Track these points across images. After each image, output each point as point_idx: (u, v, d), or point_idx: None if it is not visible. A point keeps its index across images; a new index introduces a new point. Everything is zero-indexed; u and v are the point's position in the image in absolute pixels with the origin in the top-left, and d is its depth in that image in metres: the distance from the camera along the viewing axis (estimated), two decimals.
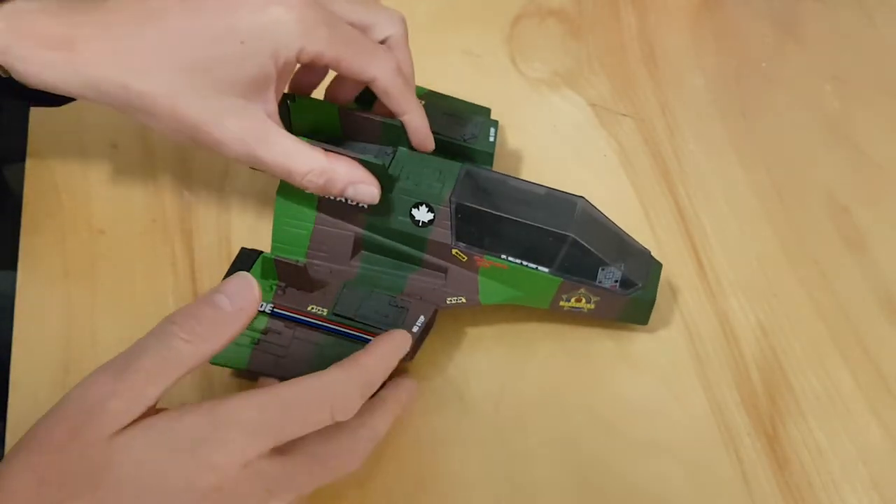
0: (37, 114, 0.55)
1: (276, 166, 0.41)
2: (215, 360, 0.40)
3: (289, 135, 0.42)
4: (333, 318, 0.43)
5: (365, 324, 0.43)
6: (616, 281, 0.44)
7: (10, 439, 0.42)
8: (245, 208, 0.51)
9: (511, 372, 0.46)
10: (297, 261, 0.43)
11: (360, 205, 0.44)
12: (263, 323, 0.43)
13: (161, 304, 0.48)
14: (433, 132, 0.45)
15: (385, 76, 0.43)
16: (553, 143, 0.55)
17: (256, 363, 0.42)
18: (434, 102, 0.49)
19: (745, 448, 0.44)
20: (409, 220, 0.44)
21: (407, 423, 0.44)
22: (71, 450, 0.32)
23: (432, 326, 0.44)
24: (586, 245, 0.43)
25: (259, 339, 0.42)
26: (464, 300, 0.45)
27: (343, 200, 0.43)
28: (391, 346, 0.40)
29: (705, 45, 0.61)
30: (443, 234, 0.44)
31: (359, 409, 0.37)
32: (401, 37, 0.46)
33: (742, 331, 0.48)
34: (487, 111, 0.51)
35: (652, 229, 0.51)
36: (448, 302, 0.44)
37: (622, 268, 0.44)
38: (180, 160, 0.53)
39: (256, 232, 0.50)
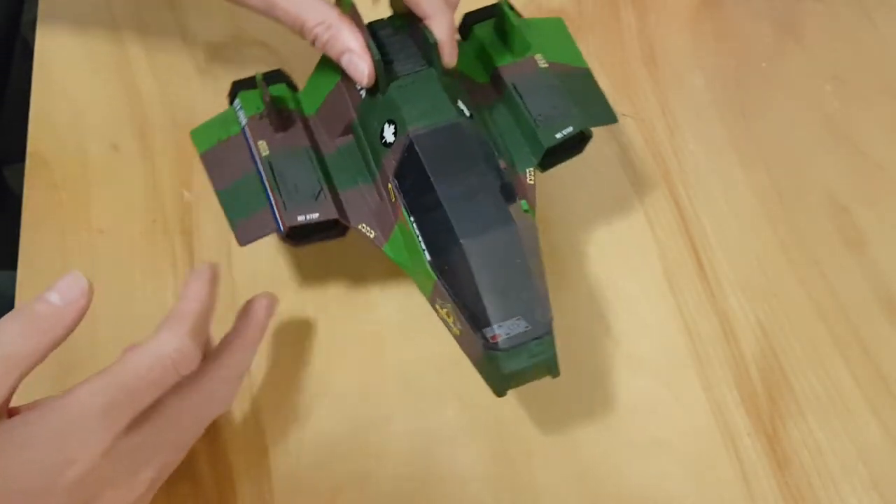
0: (37, 114, 0.55)
1: (290, 15, 0.42)
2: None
3: None
4: (267, 163, 0.44)
5: (276, 182, 0.43)
6: (480, 326, 0.38)
7: None
8: None
9: None
10: (292, 108, 0.45)
11: (360, 88, 0.44)
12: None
13: (161, 304, 0.48)
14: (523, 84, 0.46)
15: None
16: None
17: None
18: (565, 71, 0.47)
19: (745, 448, 0.44)
20: (379, 131, 0.43)
21: (407, 423, 0.44)
22: None
23: (336, 236, 0.44)
24: (471, 266, 0.38)
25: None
26: (372, 235, 0.43)
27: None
28: (201, 282, 0.39)
29: (705, 45, 0.61)
30: (390, 163, 0.42)
31: (217, 349, 0.38)
32: None
33: (742, 331, 0.48)
34: (605, 111, 0.47)
35: (652, 229, 0.51)
36: (360, 227, 0.43)
37: (496, 316, 0.38)
38: (180, 160, 0.53)
39: None
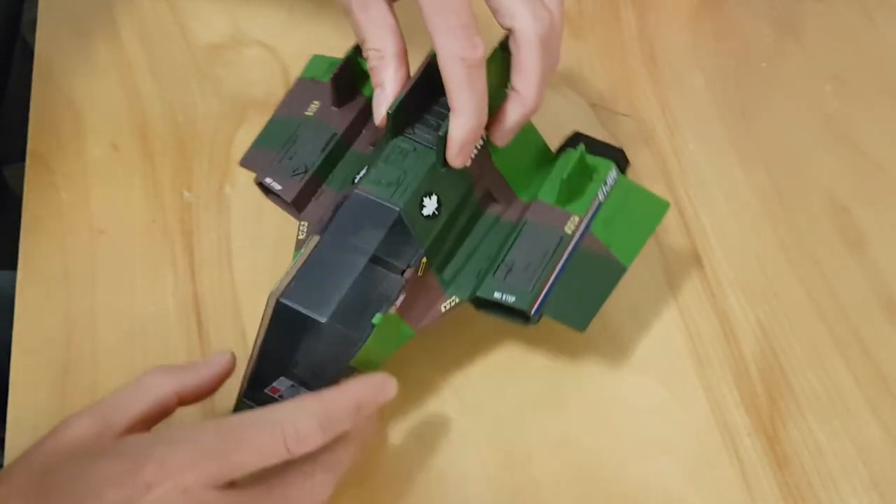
0: (37, 114, 0.55)
1: (358, 28, 0.42)
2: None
3: (387, 8, 0.42)
4: (299, 121, 0.47)
5: (289, 141, 0.47)
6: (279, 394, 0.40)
7: (10, 439, 0.43)
8: (245, 208, 0.51)
9: (511, 372, 0.46)
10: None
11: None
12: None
13: (161, 304, 0.48)
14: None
15: (444, 47, 0.39)
16: (553, 143, 0.55)
17: None
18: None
19: (745, 448, 0.44)
20: (359, 169, 0.44)
21: (407, 423, 0.44)
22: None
23: (293, 214, 0.46)
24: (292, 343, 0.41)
25: None
26: (301, 237, 0.45)
27: None
28: (364, 385, 0.38)
29: (705, 45, 0.61)
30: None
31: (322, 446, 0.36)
32: (530, 35, 0.40)
33: (742, 331, 0.48)
34: (581, 315, 0.43)
35: None
36: (300, 224, 0.45)
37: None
38: (180, 160, 0.53)
39: (256, 232, 0.50)
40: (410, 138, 0.43)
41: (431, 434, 0.44)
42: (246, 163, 0.48)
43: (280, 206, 0.46)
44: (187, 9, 0.60)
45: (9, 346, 0.46)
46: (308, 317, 0.39)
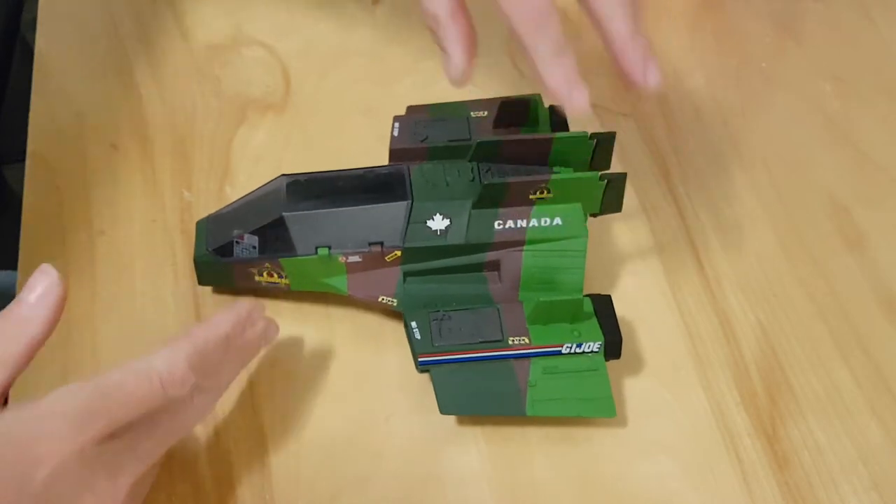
0: (37, 114, 0.55)
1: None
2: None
3: None
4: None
5: None
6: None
7: None
8: None
9: None
10: None
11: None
12: None
13: (161, 305, 0.48)
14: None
15: None
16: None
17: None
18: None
19: (745, 448, 0.44)
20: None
21: (407, 423, 0.44)
22: None
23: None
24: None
25: None
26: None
27: None
28: (231, 315, 0.40)
29: (705, 45, 0.61)
30: None
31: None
32: None
33: (742, 331, 0.48)
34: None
35: (652, 229, 0.51)
36: None
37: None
38: (180, 160, 0.53)
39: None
40: (478, 170, 0.46)
41: (431, 434, 0.44)
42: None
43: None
44: (187, 9, 0.60)
45: None
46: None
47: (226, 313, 0.40)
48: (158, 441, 0.37)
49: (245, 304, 0.41)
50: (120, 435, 0.35)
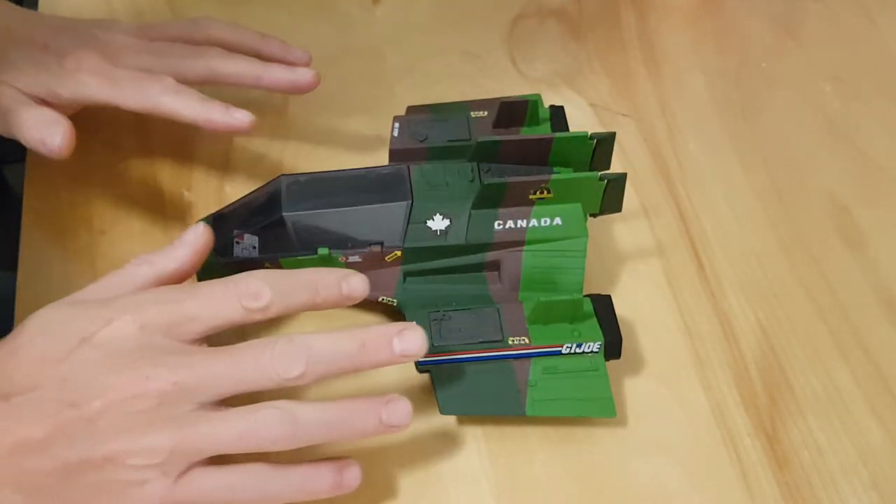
0: None
1: None
2: None
3: None
4: None
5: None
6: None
7: None
8: None
9: None
10: None
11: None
12: None
13: None
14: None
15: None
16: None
17: None
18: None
19: (745, 448, 0.44)
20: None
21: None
22: None
23: None
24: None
25: None
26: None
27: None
28: (326, 272, 0.40)
29: (705, 45, 0.61)
30: None
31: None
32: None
33: (742, 331, 0.48)
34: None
35: (652, 229, 0.51)
36: None
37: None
38: (180, 160, 0.53)
39: None
40: (478, 170, 0.46)
41: (431, 434, 0.44)
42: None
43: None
44: (188, 8, 0.60)
45: None
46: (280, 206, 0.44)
47: (321, 269, 0.40)
48: (230, 373, 0.37)
49: (347, 270, 0.40)
50: (189, 345, 0.37)
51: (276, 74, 0.50)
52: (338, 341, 0.37)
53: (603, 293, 0.45)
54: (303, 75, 0.50)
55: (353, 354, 0.37)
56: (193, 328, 0.37)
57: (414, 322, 0.39)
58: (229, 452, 0.36)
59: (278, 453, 0.37)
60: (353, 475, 0.39)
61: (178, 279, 0.41)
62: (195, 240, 0.41)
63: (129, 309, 0.37)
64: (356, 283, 0.40)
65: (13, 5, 0.50)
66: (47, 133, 0.45)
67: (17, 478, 0.35)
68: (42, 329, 0.37)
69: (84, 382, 0.35)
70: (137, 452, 0.35)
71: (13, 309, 0.47)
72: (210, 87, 0.49)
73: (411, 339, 0.38)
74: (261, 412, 0.36)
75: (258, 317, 0.38)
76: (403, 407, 0.38)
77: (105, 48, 0.49)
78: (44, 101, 0.47)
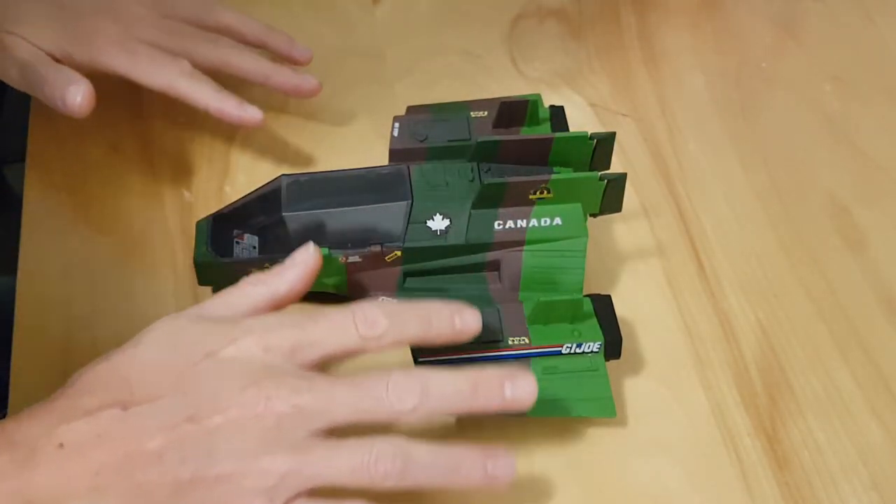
0: (37, 114, 0.55)
1: None
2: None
3: None
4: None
5: None
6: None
7: None
8: None
9: None
10: None
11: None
12: None
13: (161, 305, 0.48)
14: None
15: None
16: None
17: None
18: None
19: (745, 448, 0.44)
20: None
21: (407, 423, 0.44)
22: None
23: None
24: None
25: None
26: None
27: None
28: (440, 304, 0.39)
29: (705, 45, 0.61)
30: None
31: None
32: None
33: (742, 331, 0.48)
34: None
35: (652, 229, 0.51)
36: None
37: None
38: (180, 160, 0.53)
39: None
40: (478, 170, 0.46)
41: (432, 434, 0.44)
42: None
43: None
44: None
45: (9, 347, 0.46)
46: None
47: (435, 301, 0.40)
48: (346, 400, 0.37)
49: (460, 303, 0.39)
50: (311, 371, 0.37)
51: (284, 77, 0.51)
52: (452, 380, 0.37)
53: (603, 293, 0.45)
54: (308, 81, 0.51)
55: (465, 394, 0.37)
56: (313, 353, 0.37)
57: (524, 369, 0.39)
58: (339, 483, 0.36)
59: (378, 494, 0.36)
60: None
61: (290, 300, 0.40)
62: (306, 260, 0.40)
63: (255, 330, 0.37)
64: (469, 319, 0.39)
65: None
66: (68, 91, 0.46)
67: (125, 488, 0.34)
68: (165, 340, 0.37)
69: (205, 397, 0.35)
70: (251, 473, 0.34)
71: (13, 310, 0.47)
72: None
73: (523, 386, 0.38)
74: (376, 445, 0.36)
75: (373, 346, 0.38)
76: (509, 462, 0.38)
77: (120, 16, 0.49)
78: (57, 60, 0.47)
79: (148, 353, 0.37)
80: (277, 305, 0.40)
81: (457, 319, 0.39)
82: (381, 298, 0.45)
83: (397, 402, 0.36)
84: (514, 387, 0.37)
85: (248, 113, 0.48)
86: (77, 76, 0.46)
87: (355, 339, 0.38)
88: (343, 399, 0.36)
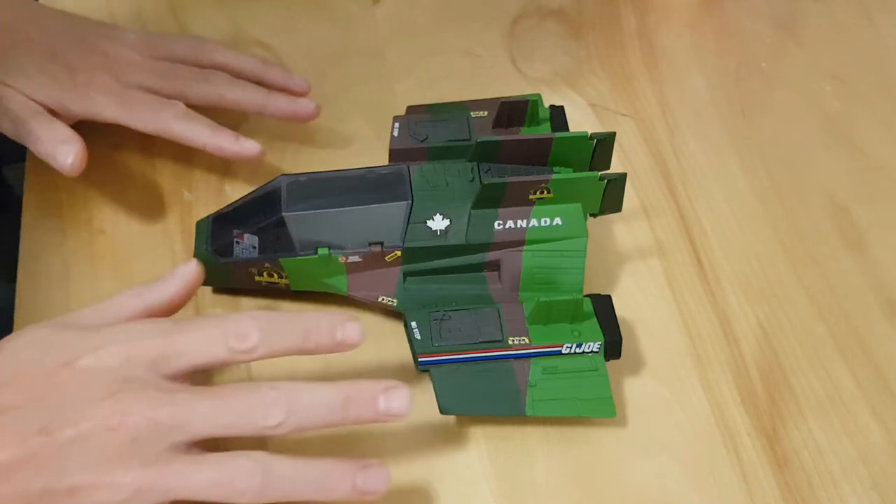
0: None
1: None
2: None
3: None
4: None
5: None
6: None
7: None
8: None
9: None
10: None
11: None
12: None
13: None
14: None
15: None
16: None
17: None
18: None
19: (745, 448, 0.44)
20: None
21: (407, 423, 0.44)
22: None
23: None
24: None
25: None
26: None
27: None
28: (319, 315, 0.39)
29: (705, 45, 0.61)
30: None
31: None
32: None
33: (742, 331, 0.48)
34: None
35: (652, 229, 0.51)
36: None
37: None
38: (180, 160, 0.53)
39: None
40: (478, 170, 0.46)
41: (431, 434, 0.44)
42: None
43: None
44: (188, 8, 0.60)
45: None
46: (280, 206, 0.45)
47: (317, 311, 0.40)
48: (213, 415, 0.36)
49: (342, 314, 0.39)
50: (173, 382, 0.37)
51: (280, 104, 0.51)
52: (321, 394, 0.37)
53: (603, 293, 0.45)
54: (304, 106, 0.51)
55: (335, 408, 0.37)
56: (178, 364, 0.37)
57: (400, 382, 0.38)
58: (198, 498, 0.35)
59: None
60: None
61: (166, 312, 0.40)
62: (186, 274, 0.41)
63: (117, 340, 0.36)
64: (351, 332, 0.38)
65: None
66: (60, 150, 0.46)
67: None
68: (25, 348, 0.37)
69: (59, 409, 0.35)
70: (102, 487, 0.34)
71: (13, 310, 0.47)
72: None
73: (398, 398, 0.37)
74: (235, 461, 0.36)
75: (243, 358, 0.38)
76: (381, 475, 0.37)
77: (112, 65, 0.49)
78: (51, 111, 0.47)
79: (5, 361, 0.36)
80: (153, 318, 0.39)
81: (338, 331, 0.38)
82: (380, 298, 0.45)
83: (261, 418, 0.36)
84: (389, 399, 0.37)
85: (246, 147, 0.48)
86: (68, 134, 0.46)
87: (224, 352, 0.37)
88: (204, 414, 0.36)
